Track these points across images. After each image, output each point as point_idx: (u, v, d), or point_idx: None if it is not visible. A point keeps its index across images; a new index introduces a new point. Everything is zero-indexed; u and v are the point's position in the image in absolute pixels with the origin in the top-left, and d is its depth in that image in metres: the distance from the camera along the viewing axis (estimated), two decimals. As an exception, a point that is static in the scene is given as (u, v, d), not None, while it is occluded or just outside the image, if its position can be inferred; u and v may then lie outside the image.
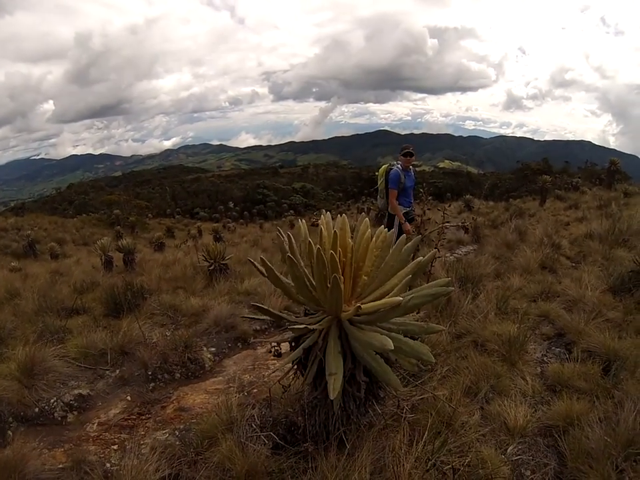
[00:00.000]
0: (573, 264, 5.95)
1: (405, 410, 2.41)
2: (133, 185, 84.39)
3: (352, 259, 2.08)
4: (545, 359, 3.37)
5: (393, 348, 1.74)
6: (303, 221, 2.30)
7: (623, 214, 8.82)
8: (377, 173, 5.99)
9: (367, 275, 2.14)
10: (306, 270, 2.15)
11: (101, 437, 2.86)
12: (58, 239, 18.67)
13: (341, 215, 2.19)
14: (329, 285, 1.81)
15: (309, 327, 1.93)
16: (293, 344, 2.22)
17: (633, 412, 2.21)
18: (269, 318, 2.41)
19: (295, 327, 1.96)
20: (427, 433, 2.15)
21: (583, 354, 3.14)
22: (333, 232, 1.97)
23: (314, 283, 2.05)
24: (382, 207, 6.00)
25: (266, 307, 2.17)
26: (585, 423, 2.30)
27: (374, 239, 2.18)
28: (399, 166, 5.60)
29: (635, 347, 3.09)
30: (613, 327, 3.52)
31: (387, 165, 5.81)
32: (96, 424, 3.00)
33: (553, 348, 3.53)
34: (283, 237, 2.12)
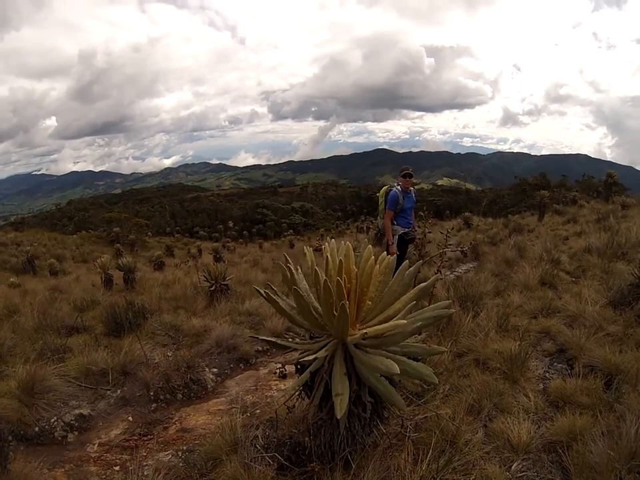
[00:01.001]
0: (573, 279, 5.95)
1: (408, 429, 2.40)
2: (133, 203, 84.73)
3: (356, 285, 2.12)
4: (546, 375, 3.36)
5: (399, 372, 1.78)
6: (309, 248, 2.35)
7: (621, 226, 8.85)
8: (377, 194, 6.06)
9: (371, 299, 2.18)
10: (310, 294, 2.18)
11: (102, 457, 2.84)
12: (57, 255, 18.61)
13: (342, 237, 2.24)
14: (335, 312, 1.84)
15: (317, 355, 1.95)
16: (299, 366, 2.25)
17: (635, 425, 2.21)
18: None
19: (305, 358, 1.98)
20: (431, 451, 2.15)
21: (584, 369, 3.13)
22: (338, 260, 2.01)
23: (319, 309, 2.09)
24: (381, 228, 6.02)
25: (273, 340, 2.23)
26: (588, 437, 2.30)
27: (377, 264, 2.22)
28: (399, 187, 5.67)
29: (636, 361, 3.08)
30: (614, 341, 3.52)
31: (387, 187, 5.89)
32: (97, 444, 2.99)
33: (555, 364, 3.52)
34: (286, 268, 2.16)
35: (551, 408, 2.86)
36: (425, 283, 2.14)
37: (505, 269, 6.79)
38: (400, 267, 2.29)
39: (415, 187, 6.00)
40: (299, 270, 2.23)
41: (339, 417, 1.77)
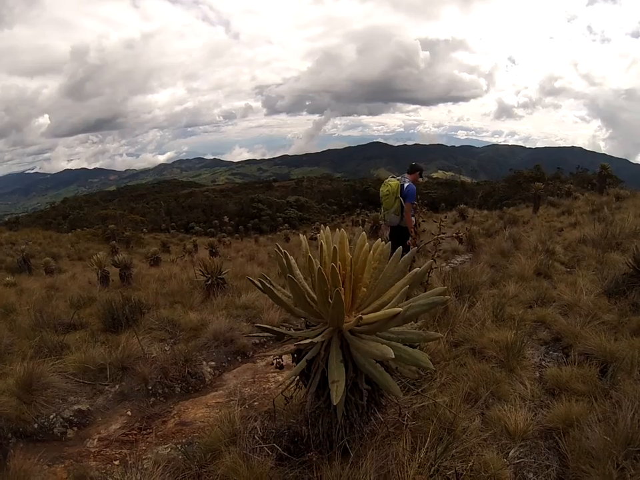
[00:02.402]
0: (568, 269, 5.99)
1: (406, 417, 2.41)
2: (128, 200, 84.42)
3: (351, 272, 2.13)
4: (542, 363, 3.39)
5: (393, 356, 1.78)
6: (304, 236, 2.35)
7: (615, 218, 8.90)
8: (384, 188, 5.96)
9: (365, 286, 2.18)
10: (305, 283, 2.19)
11: (101, 452, 2.85)
12: (53, 253, 18.50)
13: (338, 229, 2.24)
14: (330, 299, 1.85)
15: (313, 340, 1.96)
16: (295, 355, 2.26)
17: (631, 411, 2.23)
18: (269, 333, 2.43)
19: (302, 342, 1.99)
20: (429, 439, 2.16)
21: (580, 357, 3.16)
22: (332, 247, 2.01)
23: (315, 297, 2.10)
24: (393, 222, 5.95)
25: (270, 327, 2.23)
26: (585, 424, 2.32)
27: (372, 251, 2.22)
28: (408, 181, 5.80)
29: (631, 348, 3.11)
30: (609, 329, 3.54)
31: (396, 181, 5.85)
32: (96, 439, 2.99)
33: (551, 352, 3.55)
34: (282, 255, 2.16)
35: (547, 395, 2.88)
36: (419, 269, 2.15)
37: (501, 260, 6.80)
38: (394, 254, 2.29)
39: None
40: (294, 261, 2.24)
41: (335, 404, 1.78)
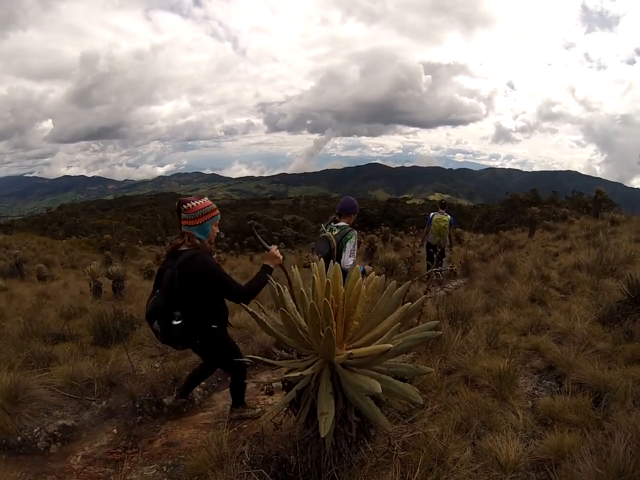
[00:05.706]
0: (563, 295, 5.98)
1: (396, 447, 2.38)
2: (125, 210, 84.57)
3: (344, 305, 2.13)
4: (535, 392, 3.36)
5: (380, 391, 1.79)
6: (296, 267, 2.37)
7: (610, 243, 8.94)
8: (443, 223, 8.07)
9: (358, 320, 2.19)
10: (298, 315, 2.18)
11: (85, 470, 2.78)
12: (46, 260, 18.31)
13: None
14: (321, 334, 1.85)
15: (303, 373, 1.96)
16: (286, 383, 2.25)
17: (624, 442, 2.20)
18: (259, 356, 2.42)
19: (291, 375, 1.98)
20: (418, 470, 2.13)
21: (573, 386, 3.14)
22: (326, 281, 2.03)
23: (306, 329, 2.11)
24: (447, 243, 8.26)
25: (260, 358, 2.23)
26: (577, 455, 2.28)
27: (365, 285, 2.24)
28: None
29: (625, 378, 3.09)
30: (603, 358, 3.53)
31: (445, 215, 8.13)
32: (80, 456, 2.93)
33: (544, 381, 3.53)
34: (274, 287, 2.18)
35: (539, 426, 2.85)
36: (412, 304, 2.15)
37: (495, 285, 6.80)
38: (388, 287, 2.31)
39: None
40: (286, 289, 2.24)
41: (323, 436, 1.77)
